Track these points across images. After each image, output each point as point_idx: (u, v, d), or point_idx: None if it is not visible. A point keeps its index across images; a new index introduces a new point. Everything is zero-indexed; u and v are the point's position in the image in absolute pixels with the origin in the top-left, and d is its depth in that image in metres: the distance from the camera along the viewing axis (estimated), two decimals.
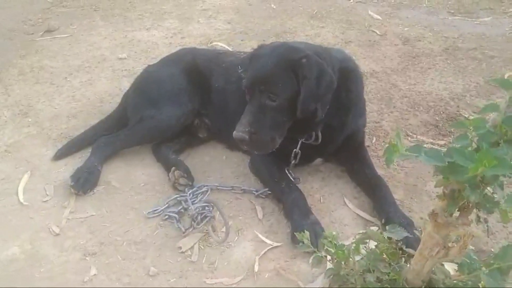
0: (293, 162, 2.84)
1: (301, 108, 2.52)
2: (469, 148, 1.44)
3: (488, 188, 1.50)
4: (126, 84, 3.82)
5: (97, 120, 3.41)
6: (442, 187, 1.58)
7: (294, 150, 2.79)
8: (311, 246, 2.04)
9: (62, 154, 3.17)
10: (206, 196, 2.81)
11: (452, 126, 3.23)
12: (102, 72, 4.26)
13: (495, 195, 1.52)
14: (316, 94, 2.54)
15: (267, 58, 2.60)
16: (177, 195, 2.80)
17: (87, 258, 2.45)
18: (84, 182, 2.86)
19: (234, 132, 2.54)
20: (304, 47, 2.64)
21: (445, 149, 1.44)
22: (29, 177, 3.00)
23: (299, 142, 2.77)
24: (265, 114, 2.55)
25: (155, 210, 2.71)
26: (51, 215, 2.72)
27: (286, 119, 2.59)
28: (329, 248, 1.95)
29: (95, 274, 2.36)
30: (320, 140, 2.76)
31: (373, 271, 1.88)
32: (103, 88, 3.99)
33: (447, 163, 1.40)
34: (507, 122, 1.41)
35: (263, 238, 2.54)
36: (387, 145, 1.46)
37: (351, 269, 1.93)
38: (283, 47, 2.68)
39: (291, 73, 2.52)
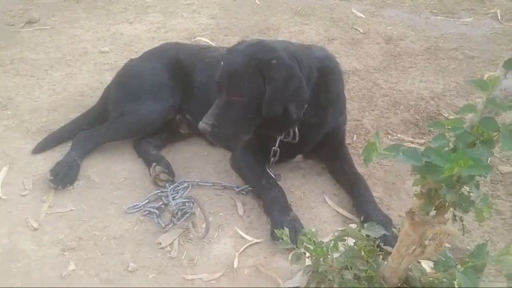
0: (272, 159, 2.85)
1: (266, 109, 2.52)
2: (446, 148, 1.45)
3: (465, 187, 1.52)
4: (108, 78, 3.79)
5: (77, 114, 3.38)
6: (419, 186, 1.60)
7: (273, 147, 2.80)
8: (291, 243, 2.05)
9: (41, 147, 3.13)
10: (186, 192, 2.82)
11: (430, 126, 3.26)
12: (83, 65, 4.22)
13: (471, 195, 1.54)
14: (282, 97, 2.52)
15: (239, 55, 2.59)
16: (158, 191, 2.80)
17: (65, 253, 2.43)
18: (63, 177, 2.83)
19: (199, 123, 2.58)
20: (279, 47, 2.60)
21: (424, 148, 1.46)
22: (7, 170, 2.96)
23: (278, 140, 2.78)
24: (230, 110, 2.56)
25: (135, 206, 2.70)
26: (30, 209, 2.69)
27: (251, 117, 2.58)
28: (308, 245, 1.96)
29: (73, 269, 2.34)
30: (298, 138, 2.77)
31: (351, 268, 1.90)
32: (85, 81, 3.96)
33: (424, 163, 1.41)
34: (484, 123, 1.43)
35: (243, 234, 2.55)
36: (366, 144, 1.47)
37: (330, 266, 1.94)
38: (258, 45, 2.63)
39: (258, 73, 2.50)
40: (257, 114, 2.56)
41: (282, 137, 2.78)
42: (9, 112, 3.53)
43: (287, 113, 2.59)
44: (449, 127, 1.48)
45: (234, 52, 2.66)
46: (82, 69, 4.16)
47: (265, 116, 2.55)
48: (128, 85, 3.22)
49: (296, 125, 2.73)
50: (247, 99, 2.53)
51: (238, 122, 2.58)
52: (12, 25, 4.99)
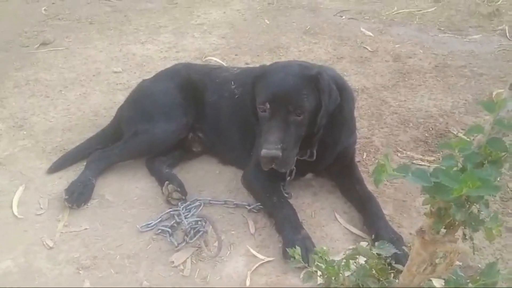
0: (288, 178, 2.86)
1: (319, 121, 2.60)
2: (455, 169, 1.48)
3: (475, 205, 1.54)
4: (120, 98, 3.86)
5: (91, 134, 3.45)
6: (429, 205, 1.62)
7: None
8: (302, 262, 2.07)
9: (56, 167, 3.19)
10: (199, 210, 2.84)
11: (440, 147, 3.28)
12: (97, 85, 4.30)
13: (481, 213, 1.56)
14: (329, 108, 2.64)
15: (285, 74, 2.62)
16: (170, 209, 2.83)
17: (80, 271, 2.47)
18: (78, 196, 2.88)
19: (264, 151, 2.48)
20: (310, 65, 2.76)
21: (434, 165, 1.48)
22: (23, 190, 3.02)
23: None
24: (290, 129, 2.55)
25: (148, 224, 2.74)
26: (45, 228, 2.74)
27: (303, 134, 2.63)
28: (319, 264, 1.97)
29: None
30: (314, 157, 2.81)
31: (363, 286, 1.91)
32: (98, 101, 4.03)
33: (433, 183, 1.44)
34: (492, 143, 1.46)
35: (255, 253, 2.57)
36: (376, 164, 1.50)
37: (341, 284, 1.95)
38: (295, 64, 2.77)
39: (314, 87, 2.58)
40: (308, 130, 2.64)
41: (299, 156, 2.78)
42: (24, 132, 3.61)
43: (319, 129, 2.67)
44: (457, 148, 1.51)
45: (276, 72, 2.67)
46: (96, 89, 4.23)
47: (315, 130, 2.63)
48: (141, 105, 3.28)
49: (316, 145, 2.78)
50: (306, 115, 2.58)
51: (297, 141, 2.62)
52: (27, 46, 5.10)
